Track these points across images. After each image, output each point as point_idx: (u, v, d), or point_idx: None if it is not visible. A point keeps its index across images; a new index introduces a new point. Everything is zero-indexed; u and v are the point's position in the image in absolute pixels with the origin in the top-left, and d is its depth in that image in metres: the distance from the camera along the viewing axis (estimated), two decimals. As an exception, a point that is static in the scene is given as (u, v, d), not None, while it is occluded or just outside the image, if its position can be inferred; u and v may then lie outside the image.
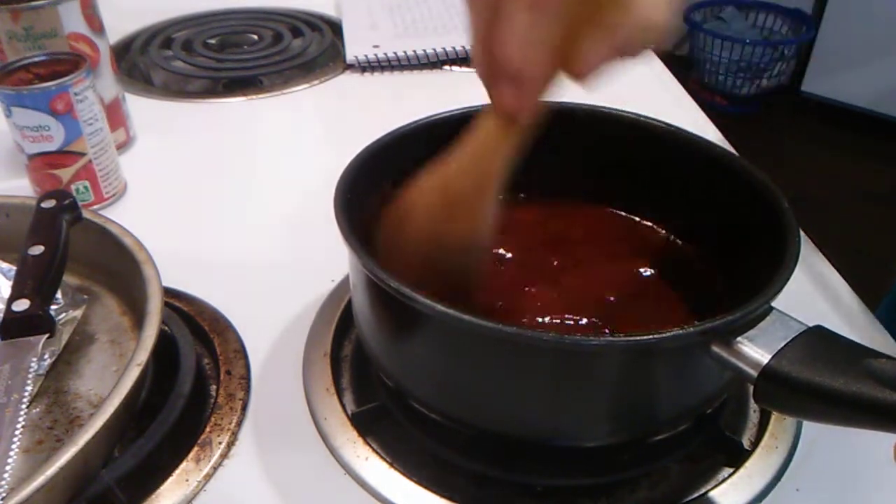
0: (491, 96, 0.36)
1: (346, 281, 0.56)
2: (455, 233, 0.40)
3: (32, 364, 0.44)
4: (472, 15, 0.34)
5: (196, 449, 0.44)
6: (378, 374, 0.48)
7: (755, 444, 0.45)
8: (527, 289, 0.47)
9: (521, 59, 0.32)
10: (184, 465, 0.43)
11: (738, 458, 0.44)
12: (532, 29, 0.32)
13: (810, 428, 0.46)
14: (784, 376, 0.32)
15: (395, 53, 0.90)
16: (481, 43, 0.33)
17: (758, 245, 0.43)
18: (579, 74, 0.33)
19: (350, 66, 0.90)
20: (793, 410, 0.37)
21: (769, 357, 0.33)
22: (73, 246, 0.51)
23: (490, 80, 0.35)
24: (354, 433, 0.45)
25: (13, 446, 0.39)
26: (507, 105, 0.35)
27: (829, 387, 0.31)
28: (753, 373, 0.33)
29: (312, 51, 0.95)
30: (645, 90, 0.85)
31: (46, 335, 0.46)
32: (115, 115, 0.72)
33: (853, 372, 0.31)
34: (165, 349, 0.47)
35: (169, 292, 0.49)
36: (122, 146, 0.74)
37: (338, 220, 0.40)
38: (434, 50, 0.90)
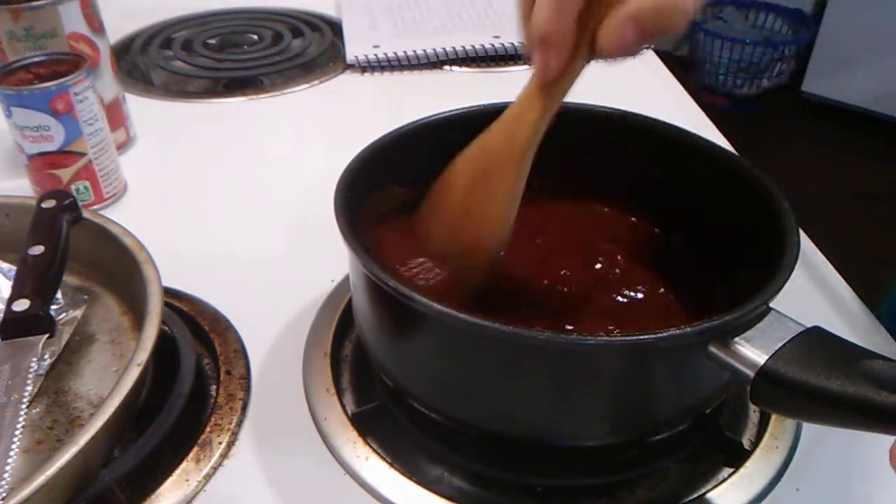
0: (528, 61, 0.38)
1: (346, 281, 0.56)
2: (480, 205, 0.42)
3: (32, 364, 0.44)
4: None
5: (196, 449, 0.44)
6: (378, 374, 0.48)
7: (755, 444, 0.45)
8: (525, 289, 0.47)
9: (547, 23, 0.35)
10: (184, 465, 0.43)
11: (738, 458, 0.44)
12: (558, 2, 0.35)
13: (810, 428, 0.46)
14: (780, 377, 0.32)
15: (395, 53, 0.90)
16: (524, 17, 0.37)
17: (757, 245, 0.43)
18: (601, 50, 0.35)
19: (350, 66, 0.90)
20: (789, 411, 0.37)
21: (766, 358, 0.33)
22: (73, 246, 0.51)
23: (527, 47, 0.37)
24: (354, 433, 0.45)
25: (13, 446, 0.39)
26: (537, 67, 0.37)
27: (825, 388, 0.31)
28: (750, 373, 0.33)
29: (312, 51, 0.95)
30: (645, 90, 0.86)
31: (46, 335, 0.46)
32: (115, 115, 0.72)
33: (850, 373, 0.31)
34: (165, 349, 0.47)
35: (169, 292, 0.49)
36: (122, 146, 0.74)
37: (338, 220, 0.40)
38: (434, 50, 0.90)
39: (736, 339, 0.34)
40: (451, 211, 0.43)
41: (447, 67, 0.91)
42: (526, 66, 0.91)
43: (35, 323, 0.46)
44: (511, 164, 0.41)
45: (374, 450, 0.44)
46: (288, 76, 0.90)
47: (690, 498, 0.42)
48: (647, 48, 0.89)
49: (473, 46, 0.91)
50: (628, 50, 0.35)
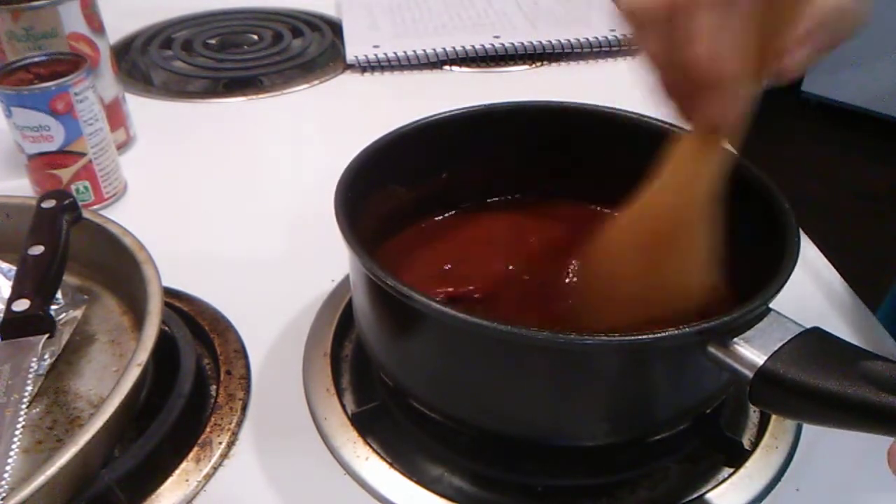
0: (689, 115, 0.33)
1: (346, 281, 0.56)
2: (675, 266, 0.38)
3: (32, 364, 0.44)
4: (640, 34, 0.32)
5: (196, 449, 0.44)
6: (378, 374, 0.48)
7: (755, 444, 0.45)
8: (525, 289, 0.47)
9: (717, 62, 0.29)
10: (184, 465, 0.43)
11: (738, 458, 0.44)
12: (721, 30, 0.29)
13: (810, 428, 0.46)
14: (779, 378, 0.32)
15: (395, 53, 0.90)
16: (664, 61, 0.31)
17: (757, 245, 0.43)
18: (786, 73, 0.31)
19: (350, 66, 0.90)
20: (788, 412, 0.37)
21: (765, 358, 0.33)
22: (73, 246, 0.51)
23: (684, 98, 0.32)
24: (354, 433, 0.45)
25: (13, 446, 0.39)
26: (711, 116, 0.32)
27: (823, 389, 0.31)
28: (749, 374, 0.33)
29: (312, 51, 0.95)
30: (645, 90, 0.86)
31: (46, 335, 0.46)
32: (115, 115, 0.72)
33: (849, 374, 0.31)
34: (165, 349, 0.47)
35: (169, 292, 0.49)
36: (122, 146, 0.74)
37: (338, 220, 0.40)
38: (434, 50, 0.90)
39: (735, 339, 0.34)
40: (631, 291, 0.39)
41: (447, 67, 0.91)
42: (526, 66, 0.91)
43: (35, 323, 0.46)
44: (695, 226, 0.37)
45: (374, 450, 0.44)
46: (288, 76, 0.90)
47: (690, 498, 0.42)
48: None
49: (473, 46, 0.91)
50: (809, 67, 0.32)
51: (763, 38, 0.30)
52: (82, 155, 0.62)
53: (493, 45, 0.91)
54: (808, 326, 0.34)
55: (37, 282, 0.47)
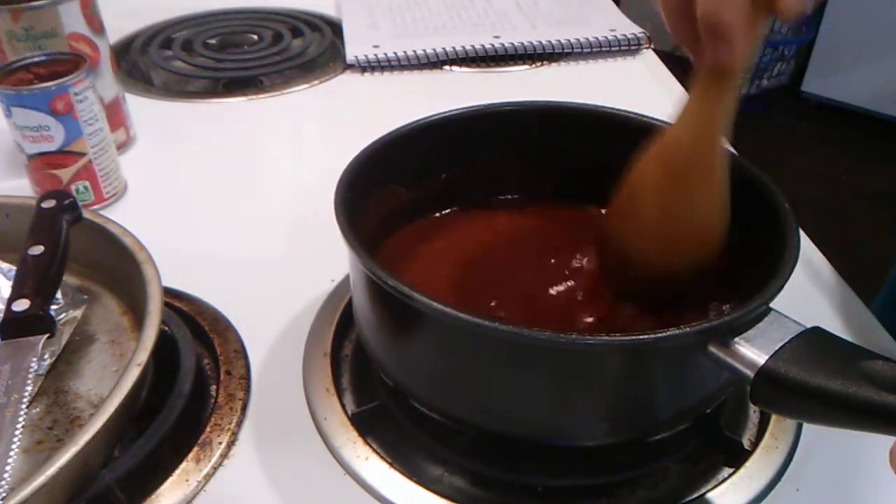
0: (699, 59, 0.38)
1: (346, 281, 0.56)
2: (693, 202, 0.41)
3: (32, 364, 0.44)
4: None
5: (196, 449, 0.44)
6: (378, 374, 0.48)
7: (755, 444, 0.45)
8: (525, 289, 0.47)
9: (719, 12, 0.34)
10: (184, 465, 0.43)
11: (738, 458, 0.44)
12: None
13: (810, 428, 0.46)
14: (780, 377, 0.32)
15: (395, 53, 0.90)
16: (678, 12, 0.36)
17: (758, 245, 0.43)
18: (785, 13, 0.34)
19: (350, 66, 0.90)
20: (789, 412, 0.37)
21: (766, 358, 0.33)
22: (73, 246, 0.51)
23: (694, 43, 0.37)
24: (354, 433, 0.45)
25: (13, 446, 0.39)
26: (719, 59, 0.36)
27: (825, 388, 0.31)
28: (750, 373, 0.33)
29: (312, 51, 0.95)
30: (645, 90, 0.86)
31: (46, 335, 0.46)
32: (115, 115, 0.72)
33: (850, 374, 0.31)
34: (165, 349, 0.47)
35: (169, 292, 0.49)
36: (122, 146, 0.74)
37: (338, 220, 0.40)
38: (434, 50, 0.90)
39: (736, 339, 0.34)
40: (651, 222, 0.42)
41: (447, 67, 0.91)
42: (526, 66, 0.91)
43: (35, 323, 0.46)
44: (711, 158, 0.40)
45: (374, 450, 0.44)
46: (288, 76, 0.90)
47: (690, 498, 0.42)
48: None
49: (473, 46, 0.91)
50: (807, 8, 0.34)
51: None
52: (82, 155, 0.62)
53: (493, 45, 0.91)
54: (809, 326, 0.34)
55: (37, 282, 0.47)
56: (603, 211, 0.53)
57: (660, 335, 0.34)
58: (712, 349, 0.35)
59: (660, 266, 0.43)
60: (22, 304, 0.46)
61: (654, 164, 0.42)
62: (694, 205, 0.42)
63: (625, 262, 0.45)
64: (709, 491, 0.43)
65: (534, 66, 0.91)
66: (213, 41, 0.99)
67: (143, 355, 0.42)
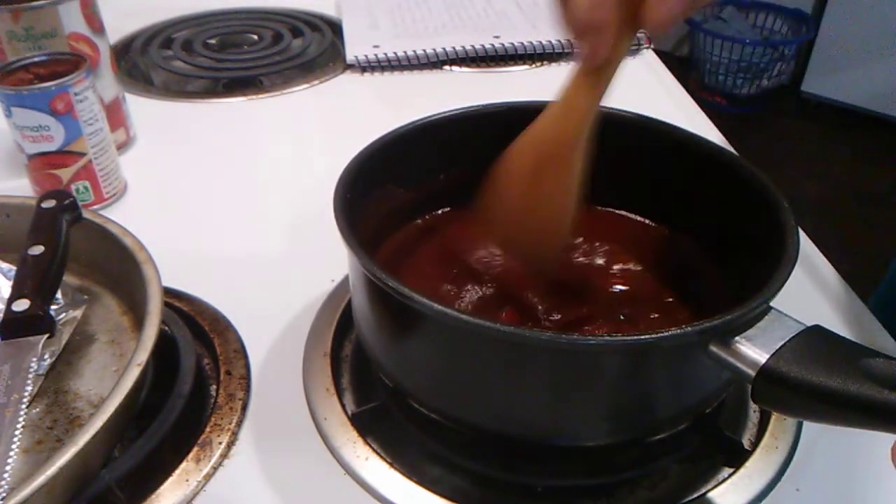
0: (576, 52, 0.38)
1: (346, 281, 0.56)
2: (545, 193, 0.43)
3: (32, 364, 0.44)
4: None
5: (196, 449, 0.44)
6: (378, 374, 0.48)
7: (755, 444, 0.45)
8: (525, 290, 0.47)
9: (591, 7, 0.35)
10: (184, 465, 0.43)
11: (738, 458, 0.44)
12: None
13: (810, 428, 0.46)
14: (781, 376, 0.32)
15: (395, 53, 0.90)
16: (562, 4, 0.37)
17: (757, 245, 0.43)
18: (651, 25, 0.35)
19: (350, 66, 0.90)
20: (790, 410, 0.37)
21: (767, 357, 0.33)
22: (73, 246, 0.51)
23: (570, 35, 0.38)
24: (354, 433, 0.45)
25: (13, 446, 0.39)
26: (583, 53, 0.38)
27: (826, 387, 0.31)
28: (751, 373, 0.33)
29: (312, 51, 0.95)
30: (645, 90, 0.86)
31: (46, 335, 0.46)
32: (115, 115, 0.72)
33: (851, 372, 0.31)
34: (165, 349, 0.47)
35: (169, 292, 0.49)
36: (122, 146, 0.74)
37: (338, 220, 0.40)
38: (434, 50, 0.90)
39: (736, 338, 0.34)
40: (512, 203, 0.44)
41: (447, 67, 0.91)
42: (526, 66, 0.91)
43: (35, 323, 0.46)
44: (565, 153, 0.41)
45: (374, 450, 0.44)
46: (288, 76, 0.90)
47: (690, 498, 0.42)
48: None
49: (473, 46, 0.91)
50: (675, 23, 0.35)
51: None
52: (82, 155, 0.62)
53: (493, 45, 0.91)
54: (809, 325, 0.34)
55: (37, 282, 0.47)
56: (603, 209, 0.54)
57: (660, 335, 0.34)
58: (713, 348, 0.35)
59: (513, 245, 0.46)
60: (22, 304, 0.46)
61: (523, 147, 0.43)
62: (547, 195, 0.43)
63: (492, 230, 0.47)
64: (709, 491, 0.43)
65: (534, 66, 0.91)
66: (213, 41, 0.99)
67: (143, 355, 0.42)
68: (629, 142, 0.51)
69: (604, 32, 0.36)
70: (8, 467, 0.38)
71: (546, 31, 0.94)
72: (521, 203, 0.43)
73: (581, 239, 0.51)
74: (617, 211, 0.54)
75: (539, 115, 0.41)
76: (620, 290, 0.48)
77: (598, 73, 0.38)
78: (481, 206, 0.45)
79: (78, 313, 0.52)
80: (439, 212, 0.54)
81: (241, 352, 0.51)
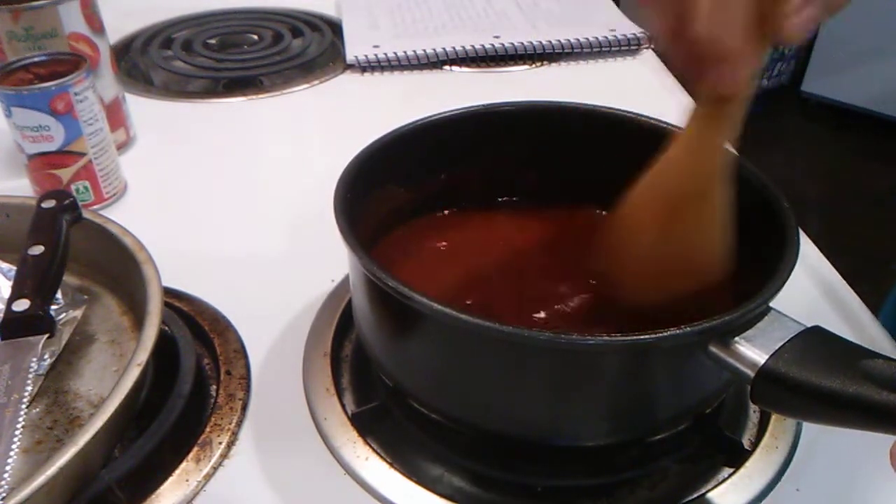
0: (699, 85, 0.36)
1: (346, 281, 0.56)
2: (693, 231, 0.40)
3: (32, 364, 0.44)
4: (658, 13, 0.35)
5: (196, 449, 0.44)
6: (378, 374, 0.48)
7: (755, 444, 0.45)
8: (525, 289, 0.47)
9: (717, 36, 0.32)
10: (184, 465, 0.43)
11: (738, 458, 0.44)
12: (720, 6, 0.32)
13: (810, 428, 0.46)
14: (781, 377, 0.32)
15: (395, 53, 0.90)
16: (676, 38, 0.34)
17: (757, 245, 0.43)
18: (787, 38, 0.33)
19: (350, 66, 0.90)
20: (790, 411, 0.37)
21: (766, 357, 0.33)
22: (73, 246, 0.51)
23: (694, 69, 0.35)
24: (354, 433, 0.45)
25: (13, 446, 0.39)
26: (719, 85, 0.34)
27: (825, 388, 0.31)
28: (750, 373, 0.33)
29: (312, 51, 0.95)
30: (645, 90, 0.86)
31: (46, 335, 0.46)
32: (115, 115, 0.72)
33: (850, 373, 0.31)
34: (165, 349, 0.47)
35: (169, 292, 0.49)
36: (122, 146, 0.74)
37: (338, 220, 0.40)
38: (434, 50, 0.90)
39: (736, 338, 0.34)
40: (648, 260, 0.41)
41: (447, 67, 0.91)
42: (526, 66, 0.91)
43: (35, 323, 0.46)
44: (709, 194, 0.39)
45: (374, 450, 0.44)
46: (288, 76, 0.90)
47: (690, 498, 0.42)
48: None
49: (473, 46, 0.91)
50: (810, 32, 0.33)
51: (761, 8, 0.32)
52: (82, 155, 0.62)
53: (493, 45, 0.91)
54: (809, 325, 0.34)
55: (37, 282, 0.47)
56: (603, 213, 0.54)
57: (660, 335, 0.34)
58: (712, 349, 0.35)
59: (653, 292, 0.42)
60: (22, 304, 0.46)
61: (651, 192, 0.41)
62: (691, 235, 0.41)
63: (618, 285, 0.44)
64: (709, 491, 0.43)
65: (534, 66, 0.91)
66: (213, 41, 0.99)
67: (143, 355, 0.42)
68: (628, 142, 0.51)
69: (738, 56, 0.33)
70: (8, 467, 0.38)
71: (546, 31, 0.94)
72: (659, 257, 0.41)
73: (579, 239, 0.51)
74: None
75: (664, 155, 0.39)
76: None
77: (732, 100, 0.36)
78: (599, 260, 0.43)
79: (78, 313, 0.52)
80: (440, 213, 0.54)
81: (241, 352, 0.51)
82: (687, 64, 0.35)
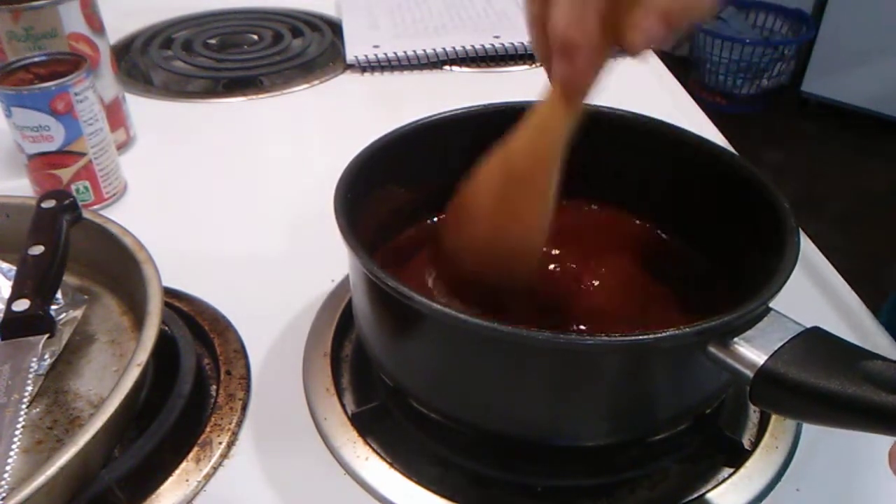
0: (548, 74, 0.38)
1: (346, 281, 0.56)
2: (516, 214, 0.42)
3: (32, 364, 0.44)
4: (526, 2, 0.37)
5: (196, 449, 0.44)
6: (378, 374, 0.48)
7: (755, 444, 0.45)
8: (525, 290, 0.47)
9: (569, 31, 0.34)
10: (184, 465, 0.43)
11: (738, 458, 0.44)
12: (576, 3, 0.34)
13: (810, 428, 0.46)
14: (780, 378, 0.32)
15: (395, 53, 0.90)
16: (536, 25, 0.36)
17: (757, 245, 0.43)
18: (630, 47, 0.35)
19: (350, 66, 0.90)
20: (789, 412, 0.37)
21: (765, 358, 0.33)
22: (73, 246, 0.51)
23: (545, 57, 0.37)
24: (354, 433, 0.45)
25: (13, 446, 0.39)
26: (560, 77, 0.36)
27: (824, 389, 0.31)
28: (749, 374, 0.33)
29: (312, 51, 0.95)
30: (645, 90, 0.86)
31: (46, 335, 0.46)
32: (115, 115, 0.72)
33: (849, 374, 0.31)
34: (165, 349, 0.47)
35: (169, 292, 0.49)
36: (122, 146, 0.74)
37: (338, 221, 0.40)
38: (434, 50, 0.90)
39: (735, 339, 0.34)
40: (483, 221, 0.43)
41: (447, 67, 0.91)
42: (526, 66, 0.91)
43: (35, 323, 0.46)
44: (539, 171, 0.40)
45: (374, 450, 0.44)
46: (288, 76, 0.90)
47: (690, 498, 0.42)
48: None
49: (473, 46, 0.91)
50: (655, 45, 0.35)
51: (613, 15, 0.34)
52: (82, 155, 0.62)
53: (493, 45, 0.91)
54: (808, 326, 0.34)
55: (37, 282, 0.47)
56: (605, 210, 0.54)
57: (660, 335, 0.34)
58: (712, 349, 0.35)
59: (479, 266, 0.44)
60: (22, 304, 0.46)
61: (491, 170, 0.42)
62: (516, 214, 0.42)
63: (454, 256, 0.45)
64: (709, 491, 0.43)
65: (534, 66, 0.91)
66: (213, 41, 0.99)
67: (143, 355, 0.42)
68: (628, 142, 0.51)
69: (586, 51, 0.35)
70: (8, 467, 0.38)
71: (546, 31, 0.94)
72: (491, 222, 0.42)
73: (580, 239, 0.51)
74: (615, 211, 0.54)
75: (514, 132, 0.41)
76: (619, 291, 0.48)
77: (575, 93, 0.37)
78: (447, 221, 0.44)
79: (78, 313, 0.52)
80: (440, 213, 0.54)
81: (241, 352, 0.51)
82: (540, 50, 0.37)
